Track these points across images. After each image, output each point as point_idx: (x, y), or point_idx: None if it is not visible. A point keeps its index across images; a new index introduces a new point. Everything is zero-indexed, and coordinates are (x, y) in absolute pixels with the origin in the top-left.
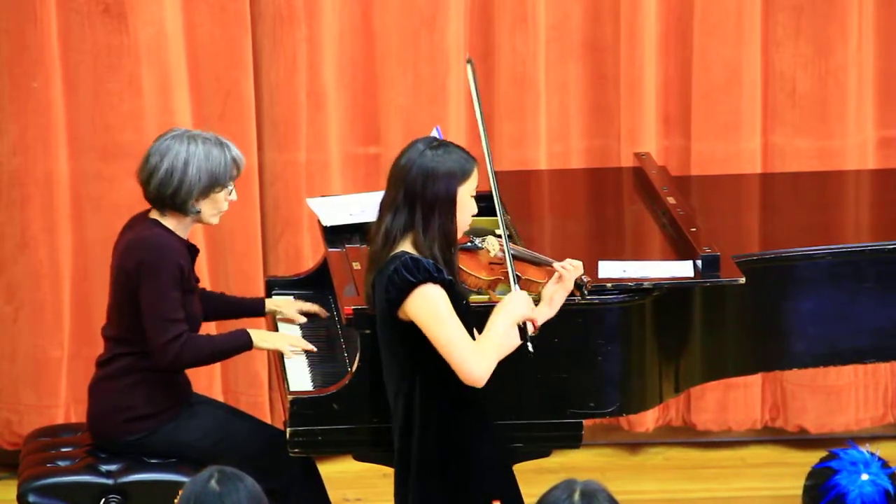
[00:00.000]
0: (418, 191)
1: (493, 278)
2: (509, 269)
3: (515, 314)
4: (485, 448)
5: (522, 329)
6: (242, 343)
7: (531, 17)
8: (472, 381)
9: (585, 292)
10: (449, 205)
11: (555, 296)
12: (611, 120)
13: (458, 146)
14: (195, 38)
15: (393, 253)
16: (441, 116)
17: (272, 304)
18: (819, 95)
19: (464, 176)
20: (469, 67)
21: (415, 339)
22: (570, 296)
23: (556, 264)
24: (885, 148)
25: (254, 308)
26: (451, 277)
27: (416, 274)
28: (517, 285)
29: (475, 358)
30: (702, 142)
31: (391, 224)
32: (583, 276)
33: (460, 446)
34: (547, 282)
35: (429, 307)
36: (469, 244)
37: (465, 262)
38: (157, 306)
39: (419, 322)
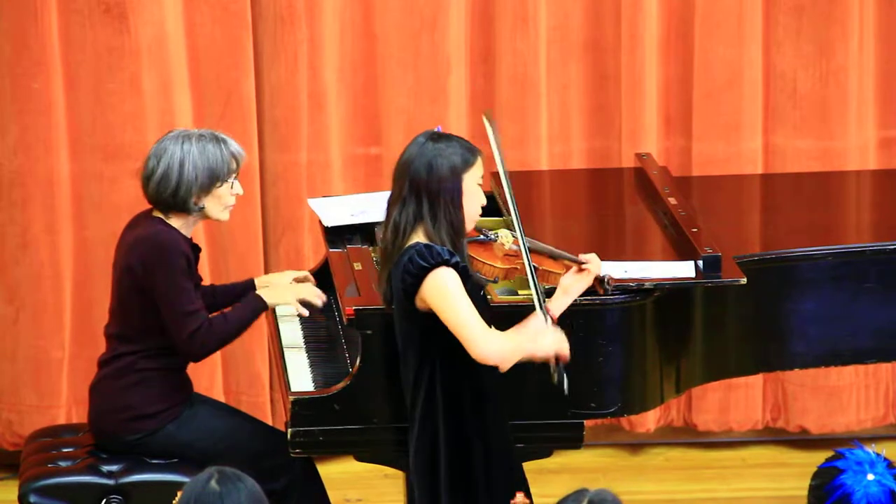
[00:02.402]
0: (423, 180)
1: (508, 266)
2: (526, 263)
3: (546, 345)
4: (502, 438)
5: (556, 367)
6: (259, 307)
7: (532, 17)
8: (483, 358)
9: (609, 288)
10: (454, 193)
11: (573, 286)
12: (612, 120)
13: (460, 137)
14: (196, 38)
15: (407, 245)
16: (442, 117)
17: (262, 282)
18: (820, 96)
19: (466, 164)
20: (486, 121)
21: (433, 329)
22: (591, 291)
23: (583, 256)
24: (886, 148)
25: (245, 290)
26: (465, 264)
27: (429, 259)
28: (539, 300)
29: (486, 335)
30: (703, 142)
31: (399, 217)
32: (606, 274)
33: (480, 435)
34: (564, 273)
35: (441, 288)
36: (481, 236)
37: (479, 253)
38: (175, 302)
39: (433, 304)
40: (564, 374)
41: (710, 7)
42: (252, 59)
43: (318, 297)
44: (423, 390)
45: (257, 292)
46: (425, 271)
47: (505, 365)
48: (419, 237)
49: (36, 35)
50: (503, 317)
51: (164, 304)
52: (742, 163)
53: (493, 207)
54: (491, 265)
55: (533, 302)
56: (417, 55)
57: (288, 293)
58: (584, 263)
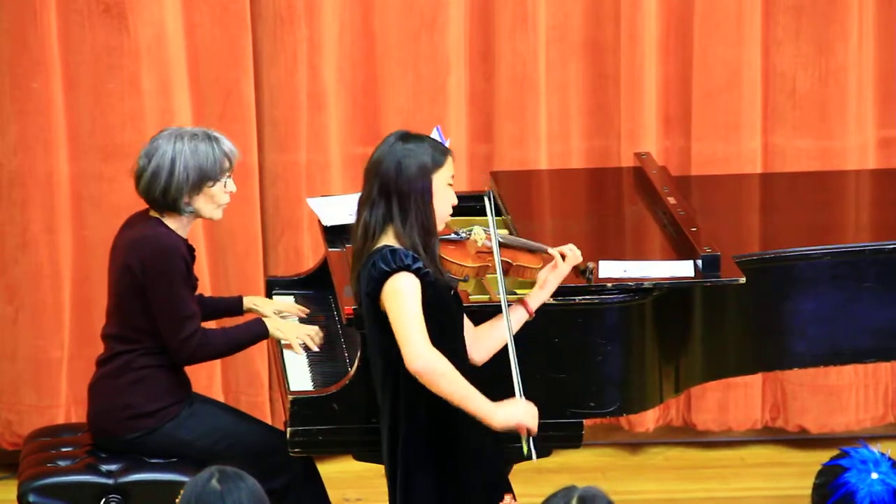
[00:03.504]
0: (392, 182)
1: (479, 265)
2: (496, 261)
3: (515, 416)
4: (472, 441)
5: (526, 438)
6: (258, 333)
7: (531, 17)
8: (413, 367)
9: (590, 278)
10: (424, 194)
11: (549, 279)
12: (611, 120)
13: (430, 137)
14: (195, 38)
15: (375, 247)
16: (441, 117)
17: (249, 302)
18: (819, 96)
19: (436, 164)
20: (486, 199)
21: None
22: (586, 290)
23: (552, 250)
24: (885, 148)
25: (232, 308)
26: (427, 270)
27: (391, 264)
28: (505, 299)
29: (426, 351)
30: (702, 142)
31: (369, 218)
32: (588, 263)
33: (447, 439)
34: (542, 266)
35: (395, 294)
36: (454, 235)
37: (449, 253)
38: (171, 306)
39: (386, 308)
40: (533, 446)
41: (710, 7)
42: (251, 58)
43: (318, 339)
44: (389, 393)
45: (263, 319)
46: (386, 276)
47: (433, 386)
48: (389, 238)
49: (35, 35)
50: (473, 317)
51: (161, 307)
52: (741, 162)
53: (480, 208)
54: (460, 265)
55: (500, 302)
56: (417, 55)
57: (291, 331)
58: (558, 256)
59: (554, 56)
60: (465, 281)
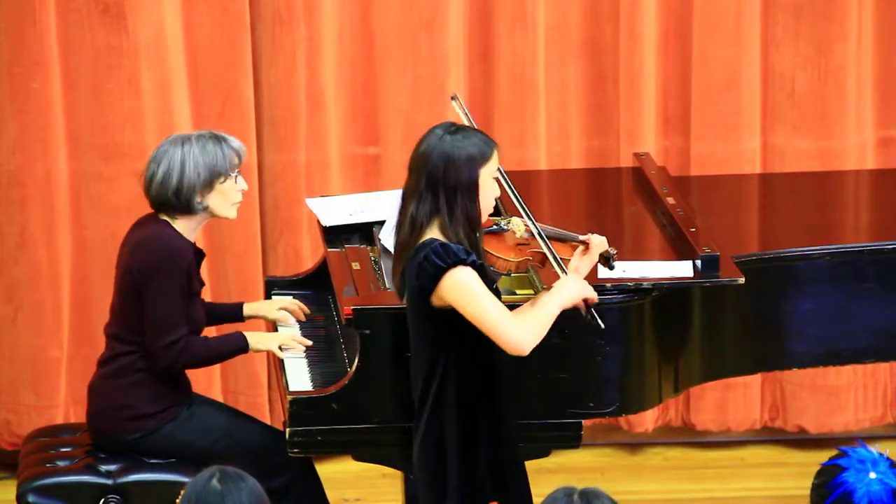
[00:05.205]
0: (440, 176)
1: (521, 259)
2: (544, 248)
3: (572, 294)
4: (512, 434)
5: (587, 308)
6: (239, 346)
7: (531, 17)
8: (516, 349)
9: (613, 264)
10: (471, 188)
11: (580, 267)
12: (610, 120)
13: (477, 130)
14: (195, 38)
15: (421, 241)
16: (441, 117)
17: (250, 309)
18: (818, 95)
19: (484, 158)
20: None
21: (448, 327)
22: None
23: (585, 237)
24: (884, 148)
25: (232, 314)
26: (481, 262)
27: (445, 259)
28: (561, 268)
29: (515, 327)
30: (701, 142)
31: (416, 211)
32: (609, 249)
33: (490, 431)
34: (572, 255)
35: (462, 288)
36: (494, 227)
37: (492, 246)
38: (160, 310)
39: (455, 303)
40: (595, 314)
41: (709, 7)
42: (250, 58)
43: (299, 345)
44: (436, 385)
45: (244, 333)
46: (442, 271)
47: (536, 343)
48: (434, 232)
49: (34, 35)
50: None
51: (150, 309)
52: (740, 162)
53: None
54: (504, 259)
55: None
56: (416, 55)
57: (272, 342)
58: (591, 240)
59: (553, 56)
60: (507, 275)
